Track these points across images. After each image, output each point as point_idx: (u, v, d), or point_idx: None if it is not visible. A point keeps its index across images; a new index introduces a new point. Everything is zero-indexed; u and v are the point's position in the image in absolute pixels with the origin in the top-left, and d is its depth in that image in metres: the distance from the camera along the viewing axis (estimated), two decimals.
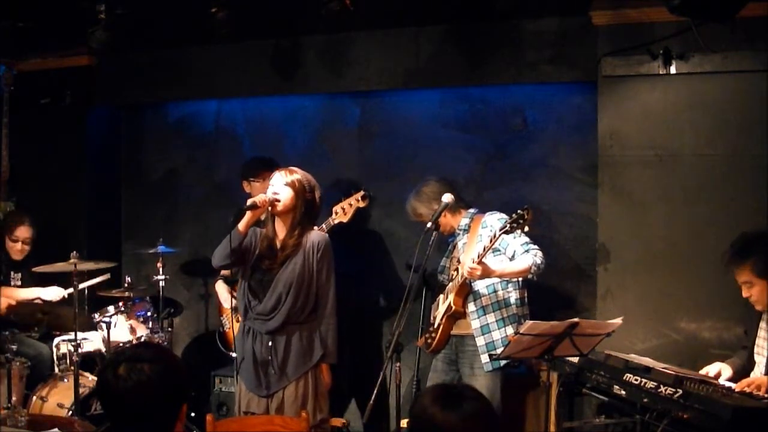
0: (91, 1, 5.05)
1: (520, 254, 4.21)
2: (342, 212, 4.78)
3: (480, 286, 4.28)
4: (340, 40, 5.42)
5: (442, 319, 4.35)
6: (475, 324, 4.28)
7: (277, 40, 5.59)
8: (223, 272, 5.21)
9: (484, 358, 4.24)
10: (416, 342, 4.59)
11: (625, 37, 4.56)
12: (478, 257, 4.05)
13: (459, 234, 4.43)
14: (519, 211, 3.89)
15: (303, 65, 5.52)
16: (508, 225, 3.89)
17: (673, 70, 4.46)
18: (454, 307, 4.28)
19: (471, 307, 4.30)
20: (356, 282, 5.41)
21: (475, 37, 5.09)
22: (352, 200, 4.83)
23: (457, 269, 4.34)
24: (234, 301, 5.11)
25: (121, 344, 4.94)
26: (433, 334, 4.41)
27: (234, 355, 5.14)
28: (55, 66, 6.03)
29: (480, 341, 4.26)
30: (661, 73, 4.48)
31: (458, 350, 4.40)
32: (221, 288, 5.24)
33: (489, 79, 5.14)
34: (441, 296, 4.48)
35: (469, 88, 5.32)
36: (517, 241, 4.22)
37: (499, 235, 3.95)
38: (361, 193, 4.83)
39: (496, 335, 4.26)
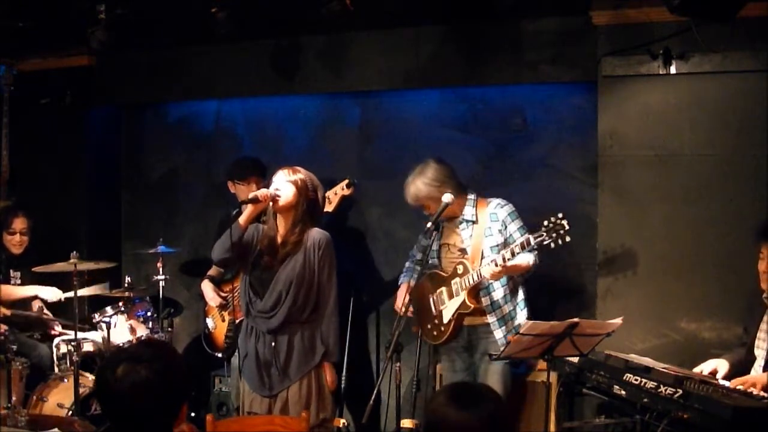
0: (91, 1, 5.06)
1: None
2: (327, 201, 4.75)
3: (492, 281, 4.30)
4: (340, 40, 5.41)
5: (453, 316, 4.34)
6: (491, 318, 4.32)
7: (277, 40, 5.59)
8: (210, 272, 5.21)
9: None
10: (413, 328, 4.51)
11: (625, 37, 4.55)
12: (503, 260, 4.08)
13: (462, 223, 4.39)
14: (557, 221, 3.91)
15: (303, 65, 5.52)
16: (545, 237, 3.93)
17: (673, 70, 4.45)
18: (472, 306, 4.28)
19: (485, 301, 4.32)
20: (355, 281, 5.41)
21: (475, 37, 5.09)
22: (337, 189, 4.81)
23: (462, 263, 4.31)
24: (220, 300, 5.12)
25: (121, 344, 4.94)
26: (441, 328, 4.39)
27: (220, 355, 5.17)
28: (55, 66, 6.04)
29: (498, 334, 4.29)
30: (661, 73, 4.48)
31: (471, 338, 4.40)
32: (207, 287, 5.22)
33: (489, 79, 5.14)
34: (443, 289, 4.38)
35: (469, 88, 5.32)
36: (523, 237, 4.26)
37: (534, 245, 4.00)
38: (346, 181, 4.80)
39: (510, 325, 4.31)
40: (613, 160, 4.65)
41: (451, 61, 5.15)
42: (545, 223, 3.96)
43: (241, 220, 3.96)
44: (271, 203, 3.96)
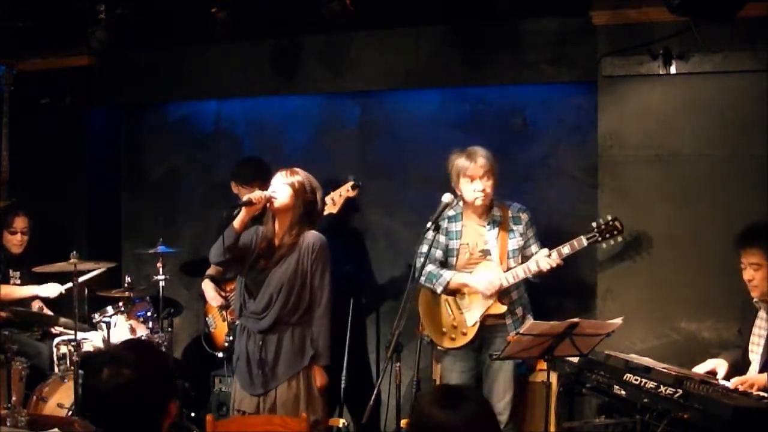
0: (91, 1, 5.06)
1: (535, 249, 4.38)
2: (332, 203, 4.75)
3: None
4: (340, 40, 5.42)
5: (480, 318, 4.31)
6: (508, 320, 4.34)
7: (277, 40, 5.59)
8: (209, 271, 5.21)
9: None
10: (416, 332, 4.48)
11: (625, 37, 4.55)
12: (560, 254, 4.19)
13: (490, 223, 4.35)
14: (609, 223, 4.19)
15: (303, 65, 5.52)
16: (598, 237, 4.19)
17: (673, 70, 4.45)
18: (504, 308, 4.30)
19: (505, 302, 4.33)
20: (355, 281, 5.40)
21: (475, 37, 5.09)
22: (341, 191, 4.81)
23: (488, 265, 4.29)
24: (222, 300, 5.12)
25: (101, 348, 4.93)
26: (464, 331, 4.35)
27: (221, 355, 5.18)
28: (55, 66, 6.03)
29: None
30: (661, 73, 4.48)
31: (484, 337, 4.38)
32: (208, 287, 5.22)
33: (489, 79, 5.14)
34: (465, 291, 4.35)
35: (469, 88, 5.32)
36: (536, 242, 4.40)
37: (586, 245, 4.19)
38: (350, 182, 4.80)
39: (522, 323, 4.33)
40: (613, 160, 4.65)
41: (451, 61, 5.15)
42: (594, 225, 4.21)
43: (236, 223, 3.93)
44: (267, 205, 3.96)
